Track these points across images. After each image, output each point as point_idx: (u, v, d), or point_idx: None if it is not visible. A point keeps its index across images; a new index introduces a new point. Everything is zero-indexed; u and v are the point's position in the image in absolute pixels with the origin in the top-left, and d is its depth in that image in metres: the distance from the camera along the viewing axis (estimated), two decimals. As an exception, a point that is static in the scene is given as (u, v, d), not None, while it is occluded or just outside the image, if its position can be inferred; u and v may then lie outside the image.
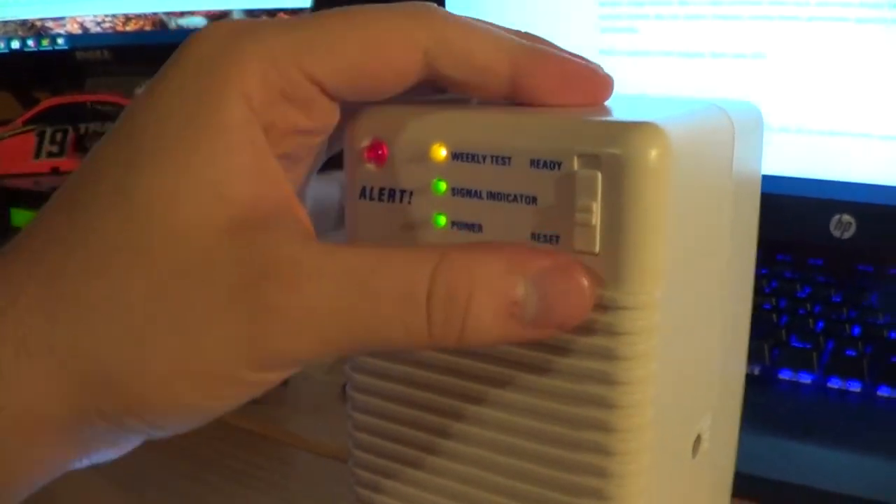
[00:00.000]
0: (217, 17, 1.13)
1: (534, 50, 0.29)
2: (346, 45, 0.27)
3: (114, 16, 1.15)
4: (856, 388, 0.59)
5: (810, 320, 0.66)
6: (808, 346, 0.62)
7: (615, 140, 0.26)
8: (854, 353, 0.61)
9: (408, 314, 0.26)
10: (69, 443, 0.28)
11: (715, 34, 0.77)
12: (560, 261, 0.27)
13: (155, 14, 1.14)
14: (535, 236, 0.28)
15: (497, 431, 0.30)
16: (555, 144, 0.27)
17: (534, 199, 0.28)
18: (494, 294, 0.26)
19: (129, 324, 0.26)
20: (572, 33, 0.82)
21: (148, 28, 1.15)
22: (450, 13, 0.28)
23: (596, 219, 0.27)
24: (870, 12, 0.71)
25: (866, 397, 0.58)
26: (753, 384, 0.60)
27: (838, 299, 0.69)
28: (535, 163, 0.27)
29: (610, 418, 0.28)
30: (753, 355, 0.61)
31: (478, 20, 0.29)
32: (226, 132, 0.27)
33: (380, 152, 0.30)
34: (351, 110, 0.30)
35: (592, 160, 0.26)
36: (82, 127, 1.10)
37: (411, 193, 0.30)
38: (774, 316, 0.67)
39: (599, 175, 0.26)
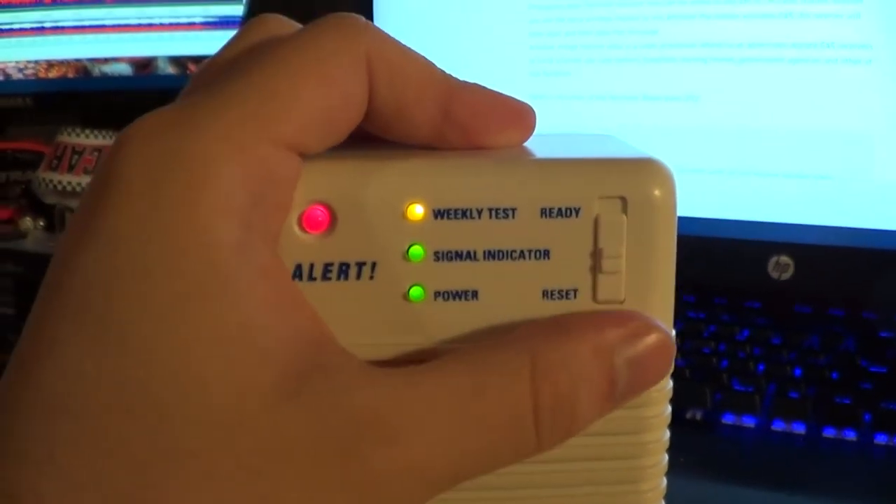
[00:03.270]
0: (142, 65, 1.11)
1: (466, 82, 0.26)
2: (303, 92, 0.22)
3: (36, 62, 1.12)
4: (800, 430, 0.58)
5: (751, 363, 0.65)
6: (751, 390, 0.61)
7: (641, 181, 0.25)
8: (797, 395, 0.60)
9: (517, 433, 0.23)
10: None
11: (647, 77, 0.77)
12: (633, 321, 0.25)
13: (78, 60, 1.11)
14: (547, 294, 0.25)
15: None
16: (571, 189, 0.25)
17: (546, 253, 0.25)
18: (595, 385, 0.24)
19: None
20: (503, 77, 0.81)
21: (71, 75, 1.12)
22: (379, 28, 0.25)
23: (623, 265, 0.25)
24: (803, 52, 0.71)
25: (811, 439, 0.57)
26: (696, 429, 0.60)
27: (778, 341, 0.68)
28: (546, 212, 0.25)
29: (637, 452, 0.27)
30: (695, 400, 0.61)
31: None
32: (225, 275, 0.21)
33: (321, 219, 0.24)
34: None
35: (617, 203, 0.25)
36: (3, 175, 1.07)
37: (374, 266, 0.25)
38: (714, 360, 0.66)
39: (625, 218, 0.25)
